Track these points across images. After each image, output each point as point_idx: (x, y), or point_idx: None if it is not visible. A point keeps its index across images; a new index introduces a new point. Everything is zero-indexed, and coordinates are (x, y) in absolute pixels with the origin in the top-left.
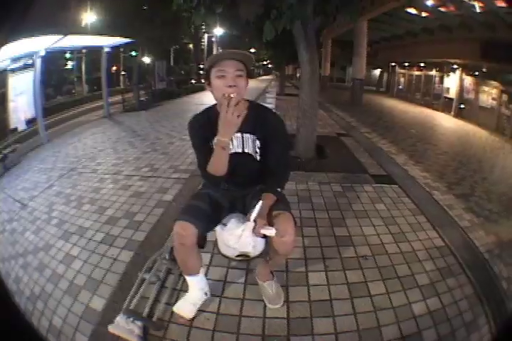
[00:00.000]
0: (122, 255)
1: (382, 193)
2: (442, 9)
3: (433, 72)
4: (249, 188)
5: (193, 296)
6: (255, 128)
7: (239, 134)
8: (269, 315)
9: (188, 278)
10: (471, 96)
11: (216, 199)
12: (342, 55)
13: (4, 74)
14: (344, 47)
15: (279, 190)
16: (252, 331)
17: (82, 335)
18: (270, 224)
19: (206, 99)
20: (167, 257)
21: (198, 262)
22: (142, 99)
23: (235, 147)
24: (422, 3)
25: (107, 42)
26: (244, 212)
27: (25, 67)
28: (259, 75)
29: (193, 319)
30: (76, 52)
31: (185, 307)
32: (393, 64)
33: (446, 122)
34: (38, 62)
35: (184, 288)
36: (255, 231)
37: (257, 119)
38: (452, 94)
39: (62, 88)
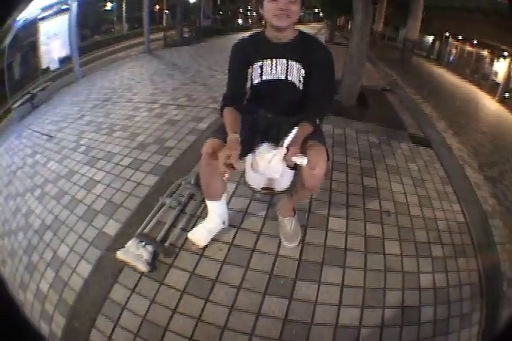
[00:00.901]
0: (147, 179)
1: (416, 154)
2: None
3: (485, 52)
4: (287, 117)
5: (211, 222)
6: (302, 56)
7: (284, 60)
8: (282, 254)
9: (208, 203)
10: None
11: (251, 125)
12: (396, 15)
13: (35, 23)
14: (399, 7)
15: (317, 121)
16: (261, 267)
17: (87, 263)
18: (303, 153)
19: None
20: (192, 182)
21: (222, 186)
22: (186, 35)
23: (278, 73)
24: None
25: None
26: (278, 141)
27: (59, 12)
28: (310, 22)
29: (205, 247)
30: None
31: (201, 233)
32: (447, 34)
33: (490, 105)
34: (74, 6)
35: (204, 215)
36: (286, 158)
37: (305, 48)
38: (500, 79)
39: (101, 27)
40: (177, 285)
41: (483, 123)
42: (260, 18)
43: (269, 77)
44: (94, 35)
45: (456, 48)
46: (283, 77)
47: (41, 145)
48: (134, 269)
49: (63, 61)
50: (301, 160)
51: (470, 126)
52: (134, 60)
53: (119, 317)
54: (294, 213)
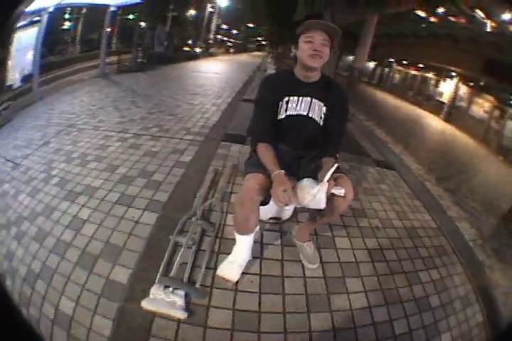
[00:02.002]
0: (144, 217)
1: (384, 176)
2: (452, 19)
3: (430, 75)
4: (306, 151)
5: (240, 257)
6: (324, 96)
7: (308, 98)
8: (308, 275)
9: (241, 238)
10: (464, 104)
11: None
12: (344, 44)
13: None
14: (348, 37)
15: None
16: (295, 290)
17: (104, 318)
18: (336, 185)
19: (203, 67)
20: (199, 217)
21: (257, 220)
22: (139, 60)
23: (301, 109)
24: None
25: (115, 0)
26: (298, 175)
27: (32, 23)
28: (252, 51)
29: (236, 282)
30: (75, 12)
31: (231, 269)
32: (391, 60)
33: (435, 124)
34: (45, 19)
35: (224, 250)
36: (328, 191)
37: (327, 89)
38: (445, 98)
39: (56, 48)
40: (223, 325)
41: (431, 141)
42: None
43: (294, 113)
44: (48, 56)
45: (399, 73)
46: (305, 113)
47: (8, 173)
48: (168, 318)
49: (25, 79)
50: (340, 191)
51: (421, 145)
52: (90, 84)
53: None
54: (310, 237)
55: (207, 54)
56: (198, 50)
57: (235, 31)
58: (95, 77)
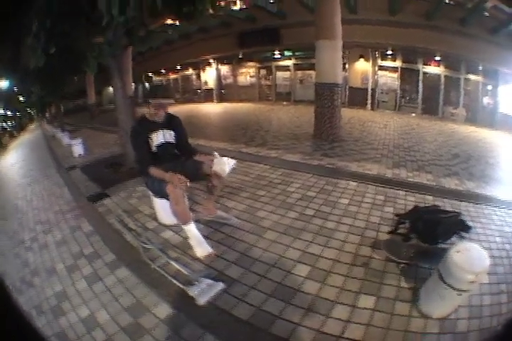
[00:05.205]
0: None
1: None
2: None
3: (189, 71)
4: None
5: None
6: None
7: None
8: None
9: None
10: (230, 80)
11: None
12: (103, 79)
13: None
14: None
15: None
16: None
17: None
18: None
19: None
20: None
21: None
22: None
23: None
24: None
25: None
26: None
27: None
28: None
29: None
30: None
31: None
32: (150, 74)
33: (212, 107)
34: None
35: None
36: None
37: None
38: (211, 84)
39: None
40: None
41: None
42: None
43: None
44: None
45: (166, 80)
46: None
47: None
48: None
49: None
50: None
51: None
52: None
53: None
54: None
55: None
56: None
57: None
58: None
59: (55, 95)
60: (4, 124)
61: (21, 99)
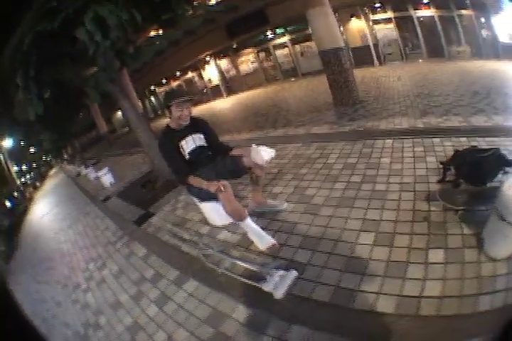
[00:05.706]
0: None
1: None
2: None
3: (189, 74)
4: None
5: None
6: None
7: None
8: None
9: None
10: (234, 72)
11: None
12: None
13: None
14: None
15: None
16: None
17: None
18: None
19: None
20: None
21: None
22: None
23: (197, 142)
24: None
25: None
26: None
27: None
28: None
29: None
30: None
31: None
32: (152, 87)
33: (224, 103)
34: None
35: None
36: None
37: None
38: (216, 81)
39: None
40: None
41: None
42: None
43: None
44: None
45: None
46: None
47: None
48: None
49: None
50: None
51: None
52: None
53: None
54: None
55: None
56: None
57: None
58: None
59: (67, 137)
60: (23, 179)
61: (32, 150)
